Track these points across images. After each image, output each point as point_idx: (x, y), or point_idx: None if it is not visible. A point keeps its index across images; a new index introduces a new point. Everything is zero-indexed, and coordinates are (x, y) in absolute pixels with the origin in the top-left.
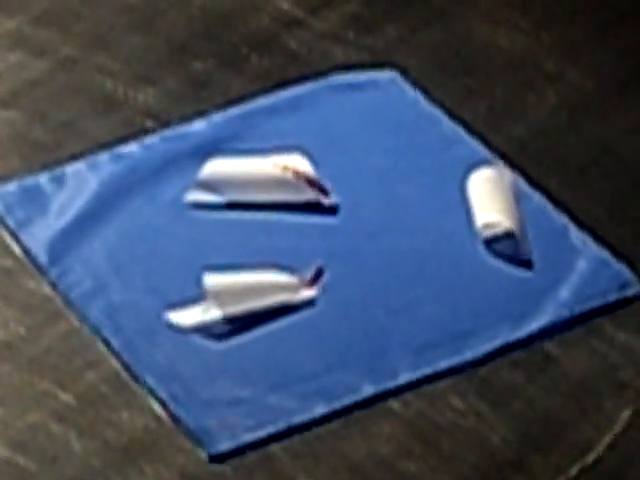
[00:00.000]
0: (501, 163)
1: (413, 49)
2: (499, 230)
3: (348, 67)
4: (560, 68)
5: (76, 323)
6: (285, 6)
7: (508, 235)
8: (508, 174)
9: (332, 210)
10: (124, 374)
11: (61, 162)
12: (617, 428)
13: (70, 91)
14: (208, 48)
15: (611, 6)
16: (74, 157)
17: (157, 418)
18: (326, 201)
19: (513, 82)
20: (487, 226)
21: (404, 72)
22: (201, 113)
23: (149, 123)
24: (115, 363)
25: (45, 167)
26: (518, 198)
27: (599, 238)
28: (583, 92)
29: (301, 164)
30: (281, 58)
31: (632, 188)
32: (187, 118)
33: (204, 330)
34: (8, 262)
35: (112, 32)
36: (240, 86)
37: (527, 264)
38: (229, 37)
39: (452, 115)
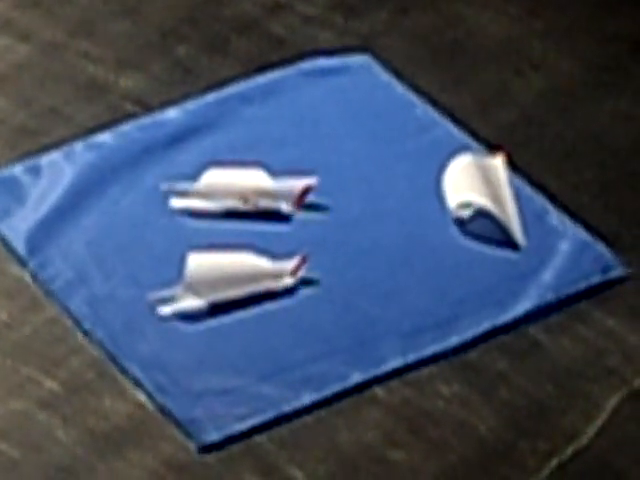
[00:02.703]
0: (480, 148)
1: (400, 34)
2: (472, 209)
3: (331, 52)
4: (547, 54)
5: (59, 309)
6: None
7: (483, 215)
8: (490, 160)
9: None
10: (109, 361)
11: (46, 148)
12: (605, 414)
13: (55, 76)
14: (193, 33)
15: None
16: (60, 143)
17: (142, 406)
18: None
19: (500, 68)
20: (460, 206)
21: (389, 57)
22: (186, 98)
23: (134, 108)
24: (99, 349)
25: (30, 153)
26: (505, 182)
27: (584, 223)
28: (570, 78)
29: (261, 180)
30: (267, 42)
31: (618, 174)
32: (172, 103)
33: (185, 317)
34: None
35: (97, 17)
36: (225, 71)
37: (511, 245)
38: (214, 22)
39: (437, 100)
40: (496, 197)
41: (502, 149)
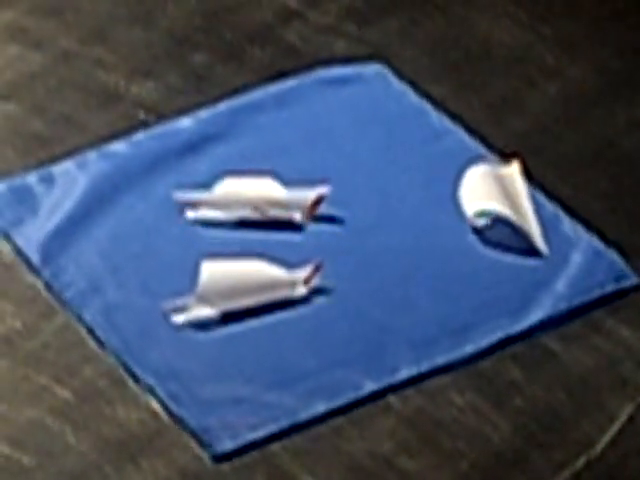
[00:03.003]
0: (494, 157)
1: (413, 42)
2: (489, 217)
3: (345, 60)
4: (560, 62)
5: (73, 317)
6: None
7: (502, 222)
8: (506, 169)
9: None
10: (122, 369)
11: (60, 156)
12: (618, 424)
13: (69, 84)
14: (207, 41)
15: (611, 0)
16: (73, 151)
17: (156, 414)
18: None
19: (513, 76)
20: (477, 215)
21: (402, 65)
22: (201, 106)
23: (148, 116)
24: (112, 358)
25: (44, 161)
26: (522, 189)
27: (598, 232)
28: (583, 87)
29: (273, 190)
30: (280, 51)
31: (632, 183)
32: (186, 111)
33: (199, 326)
34: (2, 258)
35: (111, 25)
36: (240, 79)
37: (531, 252)
38: (228, 30)
39: (451, 109)
40: (514, 205)
41: (517, 156)
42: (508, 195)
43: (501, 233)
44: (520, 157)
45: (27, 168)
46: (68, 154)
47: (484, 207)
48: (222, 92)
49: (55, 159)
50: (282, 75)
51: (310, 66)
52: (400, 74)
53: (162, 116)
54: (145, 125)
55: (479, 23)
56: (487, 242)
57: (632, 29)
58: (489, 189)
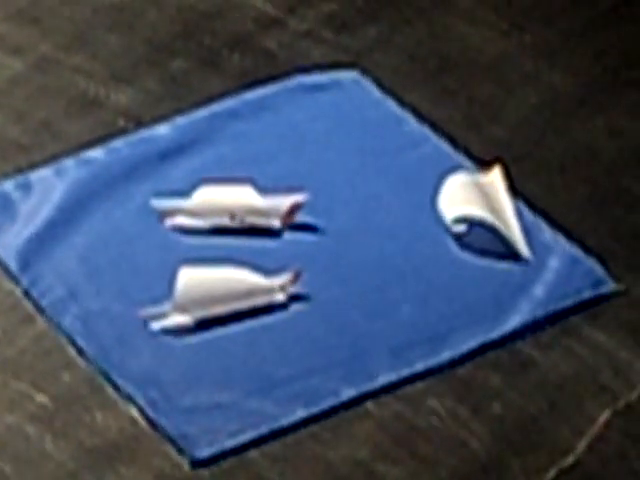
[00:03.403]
0: (472, 165)
1: (392, 49)
2: (468, 222)
3: (321, 67)
4: (539, 69)
5: (52, 324)
6: (263, 6)
7: (482, 228)
8: (486, 176)
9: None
10: (100, 376)
11: (39, 163)
12: (596, 429)
13: (48, 91)
14: (186, 48)
15: (590, 7)
16: (53, 158)
17: (134, 421)
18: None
19: (492, 83)
20: (456, 220)
21: (381, 72)
22: (180, 113)
23: (127, 123)
24: (91, 364)
25: (23, 168)
26: (504, 194)
27: (576, 239)
28: (562, 93)
29: (250, 197)
30: (259, 57)
31: (611, 190)
32: (165, 118)
33: (177, 332)
34: None
35: (90, 32)
36: (218, 85)
37: (511, 257)
38: (207, 37)
39: (429, 116)
40: (495, 210)
41: (497, 162)
42: (488, 201)
43: (480, 239)
44: (501, 163)
45: (6, 175)
46: (47, 161)
47: (463, 212)
48: (201, 98)
49: (34, 166)
50: (261, 82)
51: (289, 73)
52: (379, 81)
53: (141, 123)
54: (124, 132)
55: (458, 30)
56: (466, 248)
57: (610, 36)
58: (468, 195)
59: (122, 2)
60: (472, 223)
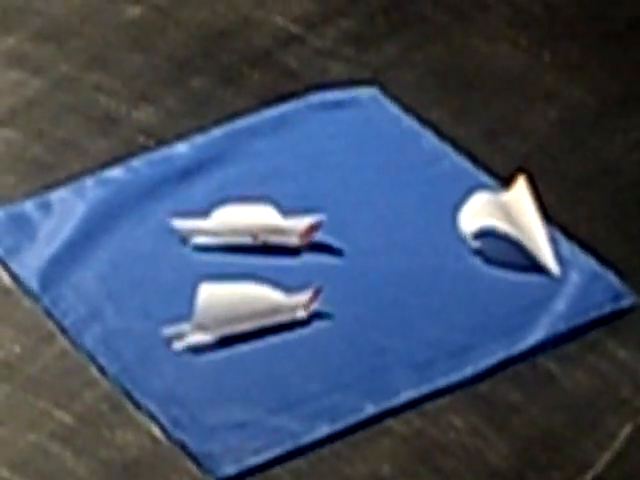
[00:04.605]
0: (492, 181)
1: (411, 66)
2: (489, 237)
3: (340, 84)
4: (560, 85)
5: (73, 343)
6: (283, 23)
7: (502, 241)
8: (509, 193)
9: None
10: (122, 395)
11: (60, 181)
12: (617, 445)
13: (68, 109)
14: (207, 66)
15: (610, 23)
16: (74, 176)
17: (155, 438)
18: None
19: (512, 100)
20: (476, 234)
21: (401, 89)
22: (200, 131)
23: (148, 141)
24: (112, 383)
25: (44, 187)
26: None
27: (595, 253)
28: (583, 109)
29: (272, 217)
30: (279, 75)
31: (631, 205)
32: (186, 136)
33: (199, 350)
34: (1, 284)
35: (111, 50)
36: (239, 103)
37: (531, 271)
38: (227, 54)
39: (449, 133)
40: (519, 224)
41: (521, 174)
42: (512, 215)
43: (501, 253)
44: (527, 174)
45: (27, 194)
46: (68, 179)
47: (485, 224)
48: (222, 116)
49: (56, 185)
50: (281, 99)
51: (308, 90)
52: (398, 98)
53: (162, 141)
54: (145, 149)
55: (478, 47)
56: (486, 263)
57: (630, 51)
58: (490, 210)
59: (142, 20)
60: (494, 237)
